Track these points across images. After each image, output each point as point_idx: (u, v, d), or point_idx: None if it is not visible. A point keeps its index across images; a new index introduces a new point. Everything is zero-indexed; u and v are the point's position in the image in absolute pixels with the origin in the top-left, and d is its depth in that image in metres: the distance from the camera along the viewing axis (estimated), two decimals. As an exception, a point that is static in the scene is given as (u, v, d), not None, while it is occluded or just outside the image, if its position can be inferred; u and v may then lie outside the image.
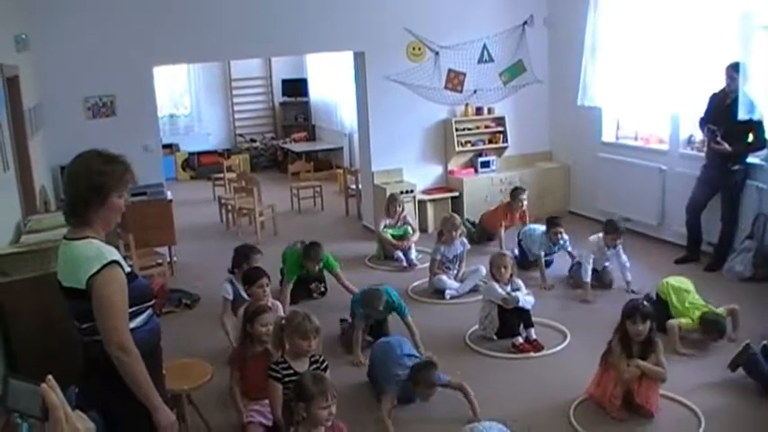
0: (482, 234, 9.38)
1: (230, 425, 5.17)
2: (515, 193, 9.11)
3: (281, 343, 4.74)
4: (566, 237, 8.21)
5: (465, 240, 8.06)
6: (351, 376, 5.87)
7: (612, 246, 7.52)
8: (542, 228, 8.30)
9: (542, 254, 8.11)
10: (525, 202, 9.09)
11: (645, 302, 5.42)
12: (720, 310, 6.25)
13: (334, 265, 7.56)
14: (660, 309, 6.29)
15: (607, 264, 7.70)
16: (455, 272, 7.91)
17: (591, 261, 7.45)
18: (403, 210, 9.18)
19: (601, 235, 7.59)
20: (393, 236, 8.94)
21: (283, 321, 4.82)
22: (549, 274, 8.07)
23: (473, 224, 9.57)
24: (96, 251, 3.14)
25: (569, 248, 8.21)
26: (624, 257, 7.55)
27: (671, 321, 6.18)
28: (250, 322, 5.13)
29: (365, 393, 5.63)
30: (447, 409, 5.30)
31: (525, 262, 8.23)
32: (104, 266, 3.10)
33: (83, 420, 1.63)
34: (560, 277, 8.07)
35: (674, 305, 6.32)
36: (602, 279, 7.67)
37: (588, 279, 7.39)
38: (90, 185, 3.15)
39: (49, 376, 1.63)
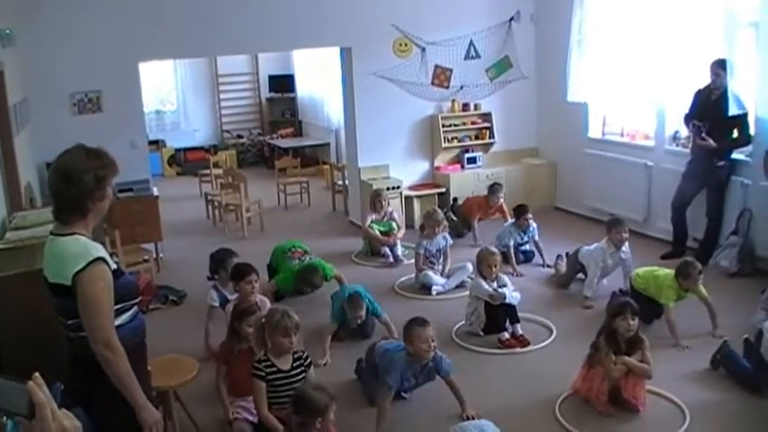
0: (464, 222, 9.48)
1: (217, 421, 5.17)
2: (493, 189, 9.24)
3: (264, 341, 4.73)
4: (534, 225, 8.39)
5: (447, 235, 8.09)
6: (338, 375, 5.86)
7: (620, 243, 7.13)
8: (510, 220, 8.54)
9: (512, 243, 8.26)
10: (502, 199, 9.24)
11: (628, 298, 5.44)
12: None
13: (330, 273, 7.49)
14: (644, 301, 6.33)
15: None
16: (440, 267, 7.93)
17: (598, 275, 7.21)
18: (388, 205, 9.19)
19: (605, 240, 7.24)
20: (379, 231, 8.96)
21: (263, 320, 4.81)
22: (529, 266, 8.27)
23: (455, 213, 9.63)
24: (82, 248, 3.14)
25: (536, 237, 8.40)
26: (630, 262, 7.23)
27: (668, 319, 6.18)
28: (238, 320, 5.15)
29: (353, 392, 5.63)
30: (437, 406, 5.31)
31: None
32: (90, 263, 3.10)
33: (69, 419, 1.62)
34: (545, 273, 8.11)
35: (656, 289, 6.30)
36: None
37: (590, 293, 7.13)
38: (96, 178, 3.17)
39: (36, 374, 1.62)
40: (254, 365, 4.62)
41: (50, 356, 3.45)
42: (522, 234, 8.42)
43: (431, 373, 5.19)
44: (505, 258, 7.96)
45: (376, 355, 5.44)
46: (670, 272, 6.36)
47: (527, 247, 8.53)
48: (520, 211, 8.40)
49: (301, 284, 7.41)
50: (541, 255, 8.36)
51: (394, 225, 9.06)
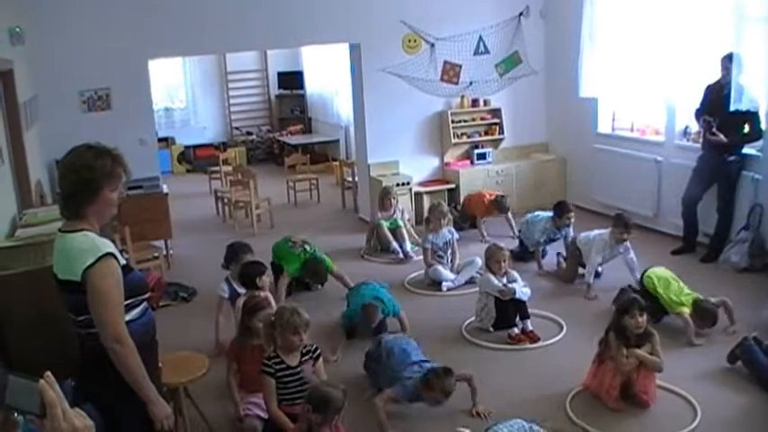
0: (465, 217, 9.44)
1: (227, 417, 5.19)
2: (500, 205, 9.16)
3: (273, 339, 4.72)
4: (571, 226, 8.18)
5: (453, 229, 8.09)
6: (347, 369, 5.86)
7: (621, 241, 7.17)
8: (547, 214, 8.23)
9: (543, 240, 8.12)
10: (508, 212, 9.23)
11: (634, 294, 5.40)
12: (714, 299, 6.26)
13: (332, 268, 7.52)
14: (650, 302, 6.32)
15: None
16: (448, 261, 7.93)
17: (598, 263, 7.28)
18: (398, 203, 9.19)
19: (607, 231, 7.29)
20: (384, 226, 9.01)
21: (273, 318, 4.80)
22: (544, 263, 8.16)
23: (457, 209, 9.60)
24: (91, 243, 3.14)
25: (571, 234, 8.08)
26: (632, 255, 7.23)
27: (684, 316, 6.13)
28: (249, 315, 5.15)
29: (361, 386, 5.61)
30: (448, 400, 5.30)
31: (525, 254, 8.22)
32: (99, 259, 3.10)
33: (81, 418, 1.62)
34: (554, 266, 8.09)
35: (665, 298, 6.27)
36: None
37: (592, 281, 7.21)
38: (79, 180, 3.14)
39: (48, 372, 1.62)
40: (264, 362, 4.62)
41: (61, 353, 3.46)
42: (557, 231, 8.10)
43: None
44: (520, 258, 8.12)
45: (384, 347, 5.49)
46: (688, 293, 6.27)
47: (547, 248, 8.38)
48: (562, 209, 8.02)
49: (308, 275, 7.43)
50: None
51: (400, 223, 9.05)
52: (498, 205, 9.17)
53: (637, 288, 6.65)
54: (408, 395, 5.13)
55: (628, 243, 7.23)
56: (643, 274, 6.62)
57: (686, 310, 6.15)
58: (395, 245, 8.86)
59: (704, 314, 6.12)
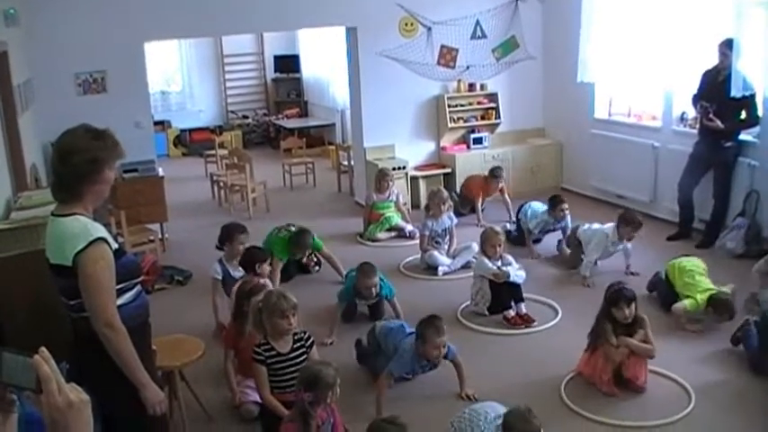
0: (464, 202, 9.46)
1: (223, 401, 5.19)
2: (493, 173, 9.23)
3: (262, 325, 4.68)
4: (569, 216, 8.11)
5: (452, 215, 8.07)
6: (343, 355, 5.83)
7: (628, 239, 7.19)
8: (543, 206, 8.20)
9: (536, 231, 8.13)
10: (502, 183, 9.26)
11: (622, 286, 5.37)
12: (726, 288, 6.22)
13: (320, 245, 7.57)
14: (667, 289, 6.37)
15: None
16: (445, 247, 7.92)
17: (595, 257, 7.27)
18: (393, 185, 9.17)
19: (610, 227, 7.26)
20: (379, 207, 9.03)
21: (260, 304, 4.77)
22: (539, 248, 8.18)
23: (457, 194, 9.59)
24: (83, 228, 3.13)
25: (569, 225, 8.06)
26: (629, 245, 7.30)
27: (676, 306, 6.13)
28: (246, 299, 5.12)
29: (357, 372, 5.63)
30: (438, 384, 5.32)
31: (522, 239, 8.20)
32: (91, 243, 3.10)
33: (76, 392, 1.61)
34: (552, 251, 8.10)
35: (680, 287, 6.26)
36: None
37: (588, 274, 7.19)
38: (90, 160, 3.14)
39: (43, 348, 1.62)
40: (254, 350, 4.57)
41: (54, 336, 3.44)
42: (555, 223, 8.09)
43: (437, 363, 5.21)
44: (517, 242, 8.14)
45: (378, 335, 5.50)
46: (709, 290, 6.13)
47: (542, 236, 8.37)
48: (555, 202, 8.03)
49: (295, 249, 7.38)
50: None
51: (393, 220, 9.03)
52: (492, 172, 9.21)
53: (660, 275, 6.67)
54: (406, 367, 5.13)
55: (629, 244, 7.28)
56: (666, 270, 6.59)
57: (688, 303, 6.10)
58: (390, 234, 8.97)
59: (719, 307, 6.00)
